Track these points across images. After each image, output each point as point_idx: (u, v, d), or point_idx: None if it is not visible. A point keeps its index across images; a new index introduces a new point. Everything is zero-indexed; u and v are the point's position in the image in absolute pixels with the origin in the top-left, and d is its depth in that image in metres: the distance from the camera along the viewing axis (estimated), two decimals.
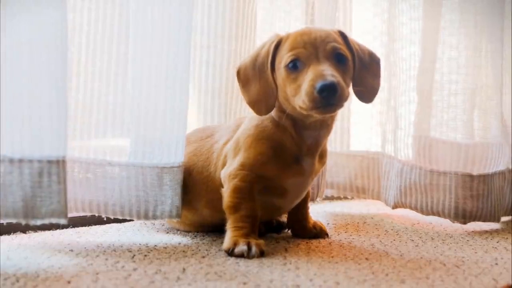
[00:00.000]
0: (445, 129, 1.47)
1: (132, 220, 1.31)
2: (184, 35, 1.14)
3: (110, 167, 1.14)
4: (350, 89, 1.10)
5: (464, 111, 1.45)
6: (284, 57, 1.06)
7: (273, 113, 1.11)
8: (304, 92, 1.01)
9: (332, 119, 1.13)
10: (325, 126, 1.12)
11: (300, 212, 1.24)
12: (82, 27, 1.15)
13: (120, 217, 1.16)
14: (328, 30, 1.09)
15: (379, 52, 1.57)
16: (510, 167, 1.48)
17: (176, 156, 1.16)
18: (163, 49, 1.13)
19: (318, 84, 0.98)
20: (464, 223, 1.40)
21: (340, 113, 1.61)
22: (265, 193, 1.13)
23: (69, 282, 0.87)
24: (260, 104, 1.09)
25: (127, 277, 0.91)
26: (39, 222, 0.99)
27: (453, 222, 1.41)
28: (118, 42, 1.17)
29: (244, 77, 1.11)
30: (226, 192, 1.11)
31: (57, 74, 0.99)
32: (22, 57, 0.97)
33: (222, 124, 1.30)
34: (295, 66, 1.04)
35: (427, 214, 1.43)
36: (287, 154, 1.11)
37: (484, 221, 1.40)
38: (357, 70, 1.10)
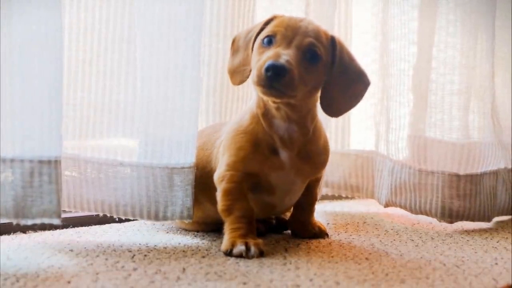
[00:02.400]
0: (436, 129, 1.46)
1: (134, 220, 1.31)
2: (193, 33, 1.14)
3: (121, 167, 1.15)
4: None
5: (451, 111, 1.45)
6: (264, 32, 1.08)
7: (254, 104, 1.12)
8: (257, 67, 1.02)
9: (302, 115, 1.10)
10: (293, 121, 1.10)
11: (304, 213, 1.23)
12: (93, 26, 1.16)
13: (131, 218, 1.17)
14: (318, 28, 1.08)
15: (378, 52, 1.58)
16: (509, 167, 1.48)
17: (187, 156, 1.15)
18: (171, 48, 1.13)
19: (268, 62, 0.99)
20: (451, 222, 1.40)
21: None
22: (255, 191, 1.13)
23: (69, 282, 0.87)
24: (236, 74, 1.13)
25: (127, 277, 0.91)
26: (30, 222, 0.98)
27: (440, 222, 1.42)
28: (128, 41, 1.17)
29: (236, 46, 1.15)
30: (218, 196, 1.11)
31: (51, 74, 0.99)
32: (14, 57, 0.97)
33: (229, 121, 1.30)
34: (269, 42, 1.06)
35: (416, 213, 1.44)
36: (263, 145, 1.10)
37: (472, 220, 1.41)
38: (334, 80, 1.09)
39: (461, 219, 1.40)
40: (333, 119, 1.60)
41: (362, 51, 1.61)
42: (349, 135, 1.64)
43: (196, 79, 1.15)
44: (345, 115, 1.61)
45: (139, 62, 1.15)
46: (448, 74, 1.45)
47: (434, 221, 1.47)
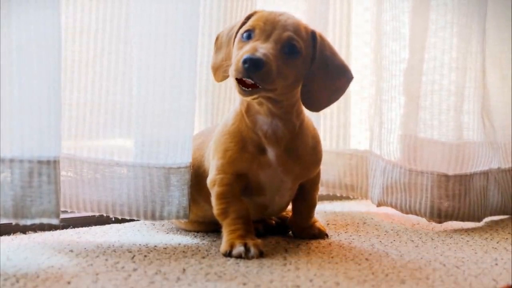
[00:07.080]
0: (426, 129, 1.46)
1: (133, 220, 1.31)
2: (190, 34, 1.14)
3: (118, 167, 1.15)
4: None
5: (441, 111, 1.45)
6: (244, 26, 1.08)
7: (239, 102, 1.12)
8: (235, 61, 1.02)
9: (286, 111, 1.10)
10: (276, 116, 1.09)
11: (303, 218, 1.23)
12: (90, 27, 1.16)
13: (128, 217, 1.17)
14: (298, 22, 1.09)
15: (375, 52, 1.58)
16: (502, 167, 1.48)
17: (183, 156, 1.16)
18: (168, 48, 1.13)
19: (245, 56, 0.99)
20: (440, 222, 1.41)
21: (329, 111, 1.60)
22: (246, 193, 1.13)
23: (69, 282, 0.87)
24: (219, 70, 1.13)
25: (127, 277, 0.91)
26: (29, 222, 0.99)
27: (429, 221, 1.42)
28: (125, 41, 1.18)
29: (219, 43, 1.15)
30: (212, 200, 1.11)
31: (49, 74, 0.99)
32: (13, 57, 0.97)
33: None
34: (248, 37, 1.06)
35: (406, 212, 1.44)
36: (249, 143, 1.10)
37: (462, 220, 1.41)
38: (314, 74, 1.08)
39: (450, 219, 1.41)
40: (330, 119, 1.60)
41: (362, 52, 1.61)
42: (345, 134, 1.64)
43: (193, 79, 1.16)
44: (345, 115, 1.62)
45: (135, 63, 1.15)
46: (439, 75, 1.45)
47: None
